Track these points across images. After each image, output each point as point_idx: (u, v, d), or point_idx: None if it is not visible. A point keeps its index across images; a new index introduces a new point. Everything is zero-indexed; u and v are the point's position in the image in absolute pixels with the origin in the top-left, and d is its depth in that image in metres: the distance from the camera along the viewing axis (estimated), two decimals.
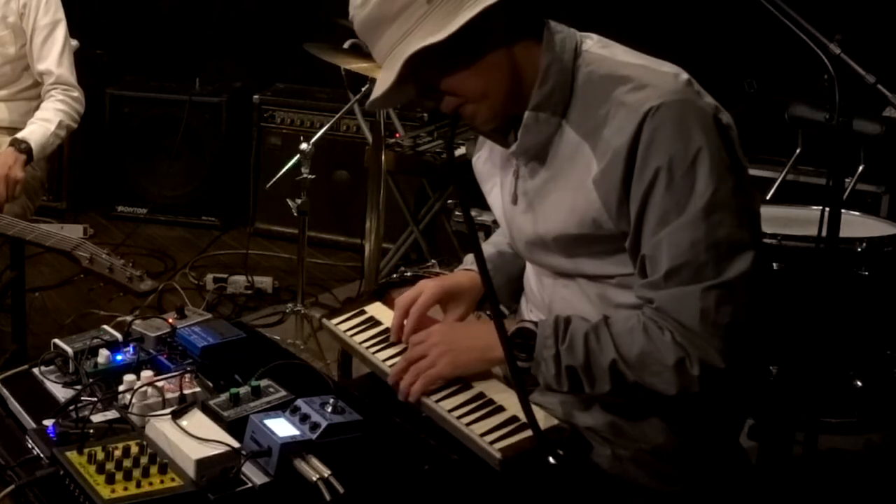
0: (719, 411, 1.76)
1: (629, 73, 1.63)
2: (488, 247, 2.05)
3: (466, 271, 1.99)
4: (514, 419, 1.64)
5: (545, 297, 1.82)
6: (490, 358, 1.73)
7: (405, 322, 1.88)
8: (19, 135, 3.12)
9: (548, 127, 1.67)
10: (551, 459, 1.52)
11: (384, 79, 1.62)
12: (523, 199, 1.76)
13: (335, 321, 2.00)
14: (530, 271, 1.90)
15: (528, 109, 1.67)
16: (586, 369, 1.63)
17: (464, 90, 1.65)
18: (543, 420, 1.63)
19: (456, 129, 1.74)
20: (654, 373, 1.60)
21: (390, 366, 1.82)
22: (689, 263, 1.57)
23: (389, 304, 2.02)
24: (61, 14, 3.27)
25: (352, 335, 1.94)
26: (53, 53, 3.24)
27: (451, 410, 1.67)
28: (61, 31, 3.26)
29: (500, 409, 1.66)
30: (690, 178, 1.56)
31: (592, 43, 1.70)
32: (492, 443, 1.59)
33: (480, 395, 1.70)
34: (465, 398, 1.70)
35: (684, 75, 1.64)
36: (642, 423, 1.72)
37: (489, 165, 1.88)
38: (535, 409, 1.64)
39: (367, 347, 1.90)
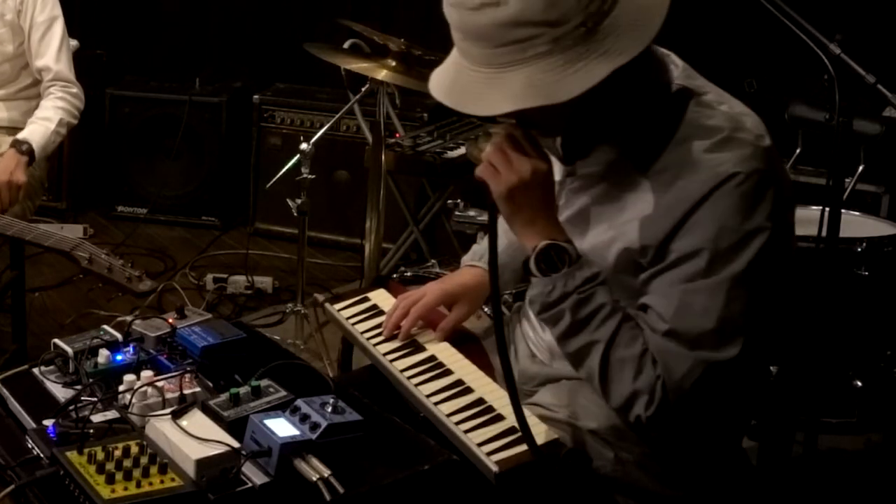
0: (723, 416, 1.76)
1: (714, 123, 1.55)
2: (502, 234, 2.01)
3: (471, 268, 1.96)
4: (512, 430, 1.60)
5: None
6: (519, 231, 1.62)
7: (402, 321, 1.87)
8: (20, 135, 3.11)
9: (612, 154, 1.61)
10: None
11: (471, 87, 1.48)
12: (565, 209, 1.69)
13: (338, 306, 1.98)
14: None
15: (603, 141, 1.60)
16: (574, 327, 1.59)
17: (546, 116, 1.52)
18: (543, 434, 1.60)
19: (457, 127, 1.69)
20: (616, 379, 1.56)
21: (391, 360, 1.81)
22: (693, 329, 1.53)
23: (393, 291, 2.01)
24: (58, 10, 3.27)
25: (354, 323, 1.93)
26: (51, 49, 3.23)
27: (449, 415, 1.66)
28: (58, 27, 3.25)
29: (500, 417, 1.64)
30: (733, 253, 1.51)
31: (677, 71, 1.61)
32: (489, 454, 1.56)
33: (480, 401, 1.68)
34: (464, 403, 1.68)
35: (767, 139, 1.56)
36: None
37: None
38: (534, 420, 1.62)
39: (369, 338, 1.88)
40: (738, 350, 1.53)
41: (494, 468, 1.54)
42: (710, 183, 1.51)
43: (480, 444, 1.58)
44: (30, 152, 3.06)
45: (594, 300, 1.58)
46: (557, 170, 1.71)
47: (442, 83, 1.54)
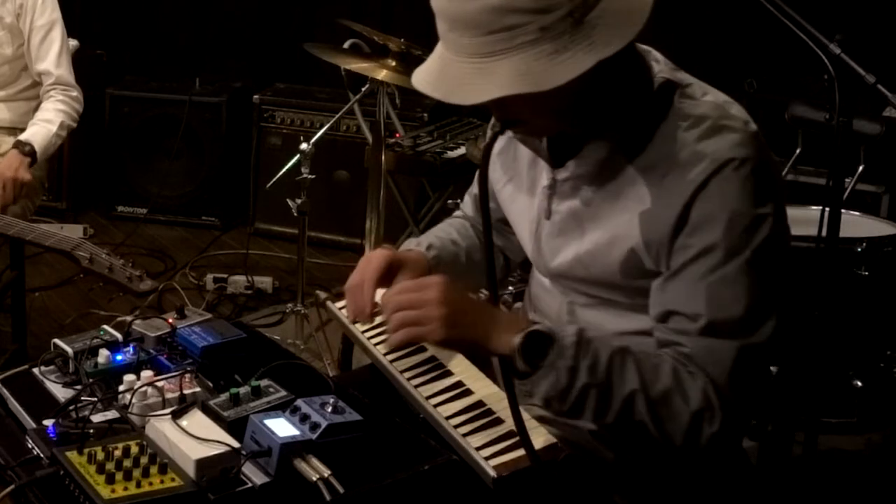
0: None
1: (701, 112, 1.55)
2: (431, 239, 1.96)
3: (409, 251, 1.90)
4: (511, 433, 1.58)
5: (562, 316, 1.76)
6: (484, 347, 1.55)
7: (362, 299, 1.77)
8: (22, 137, 3.13)
9: (603, 152, 1.60)
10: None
11: (460, 76, 1.47)
12: (558, 217, 1.68)
13: (339, 304, 1.97)
14: (541, 286, 1.82)
15: (593, 137, 1.59)
16: (601, 393, 1.52)
17: (533, 110, 1.52)
18: (541, 438, 1.58)
19: (503, 133, 1.61)
20: (671, 415, 1.52)
21: (391, 360, 1.81)
22: (729, 319, 1.52)
23: None
24: (57, 14, 3.29)
25: (354, 321, 1.93)
26: (52, 54, 3.25)
27: (448, 417, 1.64)
28: (58, 30, 3.27)
29: (499, 420, 1.62)
30: (747, 238, 1.51)
31: (659, 65, 1.61)
32: (487, 458, 1.55)
33: (480, 404, 1.66)
34: (463, 405, 1.66)
35: (753, 124, 1.57)
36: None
37: (507, 157, 1.79)
38: (533, 423, 1.60)
39: (369, 337, 1.88)
40: (771, 330, 1.55)
41: (492, 473, 1.53)
42: (707, 171, 1.51)
43: (479, 448, 1.57)
44: (32, 153, 3.09)
45: (601, 356, 1.52)
46: (545, 174, 1.71)
47: (427, 77, 1.53)
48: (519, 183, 1.78)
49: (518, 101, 1.47)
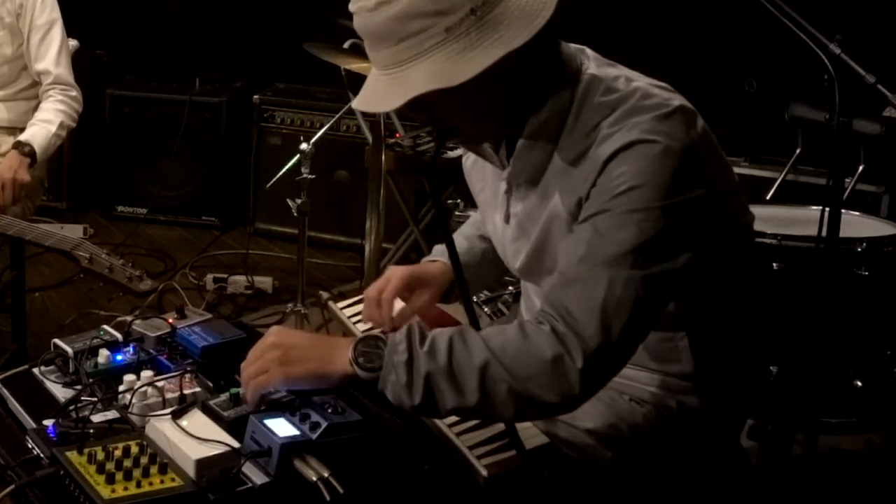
0: (720, 413, 1.76)
1: (619, 99, 1.57)
2: (459, 239, 2.00)
3: (434, 262, 1.95)
4: (505, 433, 1.60)
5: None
6: (325, 373, 1.58)
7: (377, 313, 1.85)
8: (22, 137, 3.13)
9: (540, 154, 1.62)
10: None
11: (380, 89, 1.54)
12: (514, 220, 1.72)
13: (340, 305, 1.99)
14: (523, 286, 1.88)
15: (522, 137, 1.62)
16: (450, 374, 1.50)
17: (459, 114, 1.58)
18: (533, 438, 1.60)
19: (444, 143, 1.69)
20: (531, 375, 1.49)
21: None
22: (607, 252, 1.50)
23: None
24: (57, 13, 3.29)
25: (355, 322, 1.94)
26: (51, 53, 3.25)
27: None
28: (58, 29, 3.27)
29: None
30: (649, 202, 1.50)
31: (588, 63, 1.64)
32: (479, 457, 1.57)
33: None
34: None
35: (676, 101, 1.57)
36: (644, 426, 1.71)
37: (479, 168, 1.84)
38: (527, 423, 1.62)
39: None
40: (665, 266, 1.51)
41: (484, 472, 1.55)
42: (617, 144, 1.52)
43: (471, 448, 1.59)
44: (32, 154, 3.09)
45: (438, 341, 1.53)
46: (496, 174, 1.74)
47: (359, 95, 1.59)
48: (487, 194, 1.82)
49: (444, 106, 1.54)
